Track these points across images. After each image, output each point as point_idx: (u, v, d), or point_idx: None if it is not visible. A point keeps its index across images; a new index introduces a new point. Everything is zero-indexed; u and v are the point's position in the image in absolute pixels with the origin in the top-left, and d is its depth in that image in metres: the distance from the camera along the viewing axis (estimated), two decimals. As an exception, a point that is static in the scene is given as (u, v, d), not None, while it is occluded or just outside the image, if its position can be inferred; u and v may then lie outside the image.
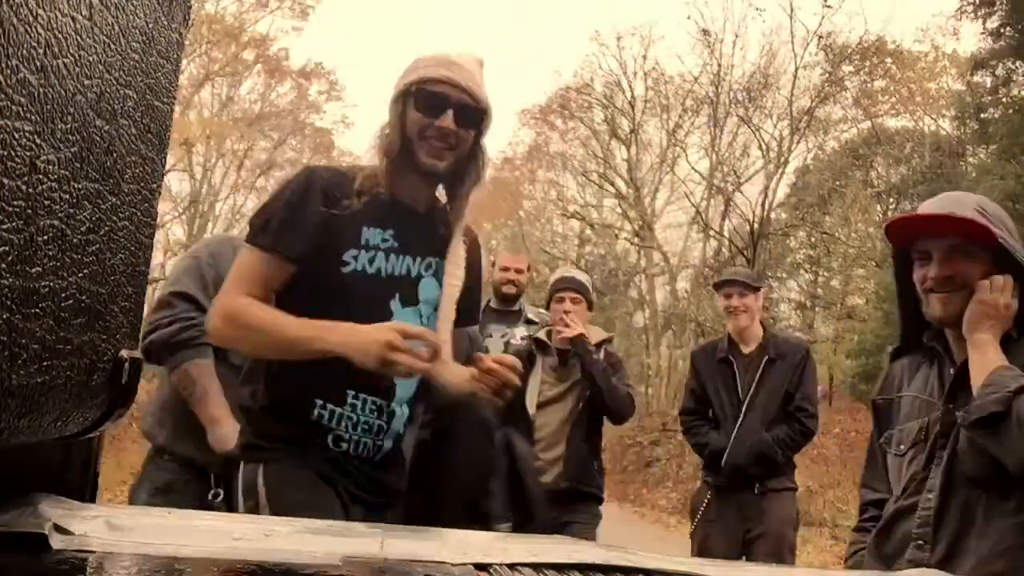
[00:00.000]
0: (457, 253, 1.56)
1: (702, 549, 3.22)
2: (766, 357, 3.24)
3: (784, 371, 3.23)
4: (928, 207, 1.54)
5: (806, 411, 3.21)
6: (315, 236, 1.46)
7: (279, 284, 1.49)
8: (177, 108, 0.66)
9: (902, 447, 1.56)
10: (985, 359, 1.40)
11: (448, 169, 1.53)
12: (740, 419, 3.19)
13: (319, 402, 1.48)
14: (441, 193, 1.61)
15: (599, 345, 3.17)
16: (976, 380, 1.40)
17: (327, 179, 1.51)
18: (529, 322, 3.61)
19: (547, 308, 3.32)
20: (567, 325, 3.06)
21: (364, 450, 1.52)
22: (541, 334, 3.24)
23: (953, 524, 1.43)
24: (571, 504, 3.03)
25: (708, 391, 3.33)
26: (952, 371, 1.52)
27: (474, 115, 1.53)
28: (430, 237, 1.57)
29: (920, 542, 1.45)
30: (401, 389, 1.54)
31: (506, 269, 3.63)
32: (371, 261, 1.51)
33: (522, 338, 3.48)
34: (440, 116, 1.49)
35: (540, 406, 3.09)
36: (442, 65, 1.52)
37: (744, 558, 3.13)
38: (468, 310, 1.63)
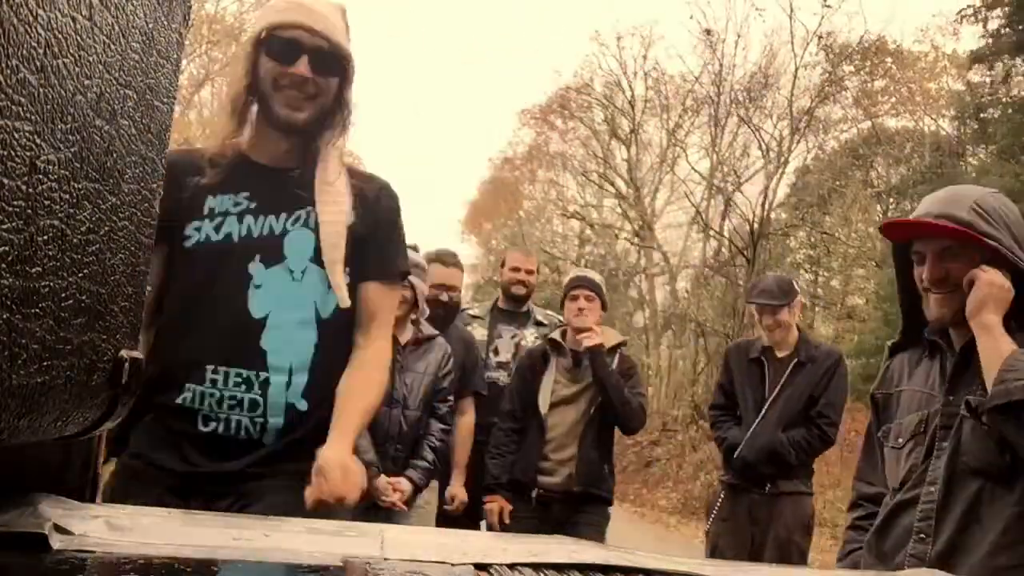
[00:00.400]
0: (333, 192, 1.44)
1: (713, 549, 3.22)
2: (796, 360, 3.25)
3: (811, 375, 3.23)
4: (926, 204, 1.54)
5: (827, 418, 3.22)
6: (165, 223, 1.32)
7: (159, 271, 1.41)
8: (177, 108, 0.66)
9: (900, 440, 1.56)
10: (996, 342, 1.38)
11: (310, 120, 1.43)
12: (759, 417, 3.21)
13: (188, 385, 1.38)
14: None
15: (614, 349, 3.16)
16: (988, 363, 1.37)
17: (175, 163, 1.35)
18: (539, 324, 3.58)
19: (561, 307, 3.30)
20: (587, 328, 3.06)
21: (241, 430, 1.39)
22: (555, 334, 3.23)
23: (956, 517, 1.42)
24: (580, 505, 3.03)
25: (736, 388, 3.36)
26: (951, 364, 1.52)
27: (333, 61, 1.42)
28: (295, 190, 1.45)
29: (922, 535, 1.44)
30: (274, 356, 1.40)
31: (516, 269, 3.60)
32: (217, 228, 1.42)
33: (536, 339, 3.46)
34: (294, 63, 1.39)
35: (553, 406, 3.08)
36: (293, 9, 1.41)
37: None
38: (376, 258, 1.50)
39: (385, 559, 0.58)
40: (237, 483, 1.40)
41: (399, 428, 2.90)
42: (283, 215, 1.44)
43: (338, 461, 1.33)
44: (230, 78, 1.47)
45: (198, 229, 1.42)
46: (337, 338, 1.46)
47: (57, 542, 0.53)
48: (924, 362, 1.60)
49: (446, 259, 3.39)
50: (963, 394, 1.45)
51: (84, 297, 0.49)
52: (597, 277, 3.39)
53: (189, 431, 1.39)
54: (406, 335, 2.96)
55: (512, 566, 0.59)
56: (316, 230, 1.44)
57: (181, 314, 1.42)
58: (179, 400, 1.38)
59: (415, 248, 3.16)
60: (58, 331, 0.45)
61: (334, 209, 1.44)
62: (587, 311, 3.09)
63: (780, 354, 3.30)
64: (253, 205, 1.44)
